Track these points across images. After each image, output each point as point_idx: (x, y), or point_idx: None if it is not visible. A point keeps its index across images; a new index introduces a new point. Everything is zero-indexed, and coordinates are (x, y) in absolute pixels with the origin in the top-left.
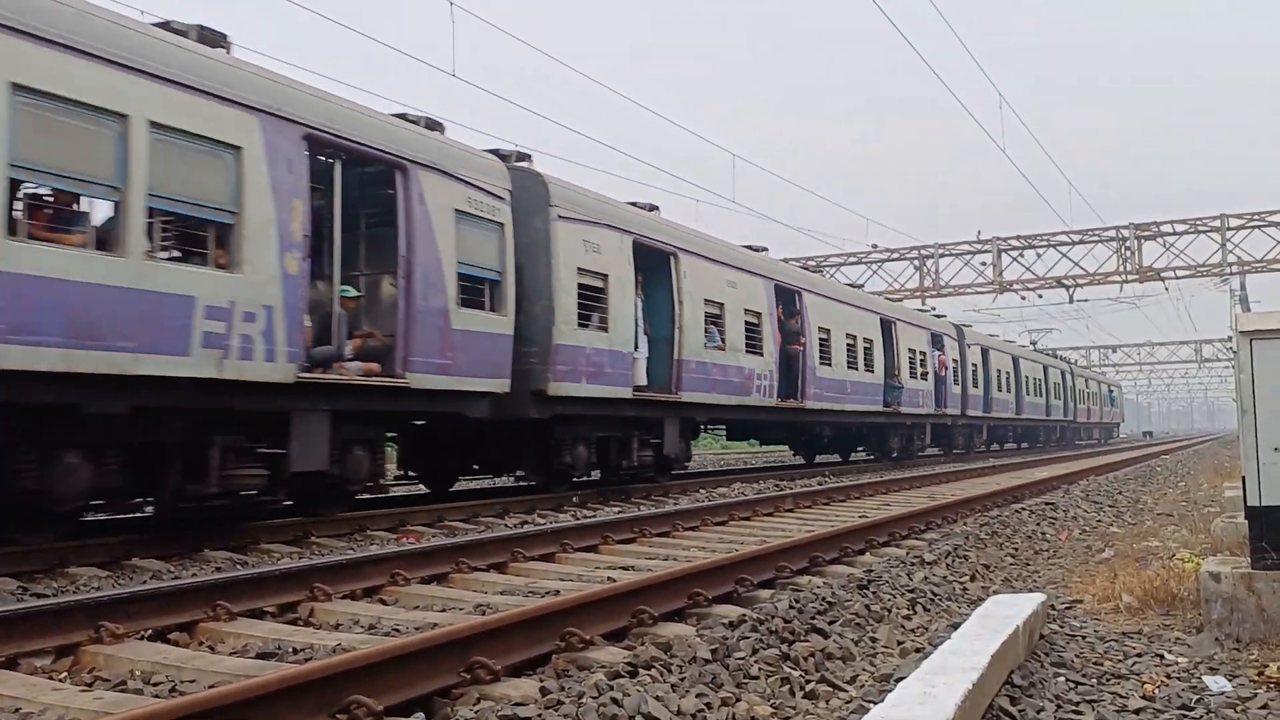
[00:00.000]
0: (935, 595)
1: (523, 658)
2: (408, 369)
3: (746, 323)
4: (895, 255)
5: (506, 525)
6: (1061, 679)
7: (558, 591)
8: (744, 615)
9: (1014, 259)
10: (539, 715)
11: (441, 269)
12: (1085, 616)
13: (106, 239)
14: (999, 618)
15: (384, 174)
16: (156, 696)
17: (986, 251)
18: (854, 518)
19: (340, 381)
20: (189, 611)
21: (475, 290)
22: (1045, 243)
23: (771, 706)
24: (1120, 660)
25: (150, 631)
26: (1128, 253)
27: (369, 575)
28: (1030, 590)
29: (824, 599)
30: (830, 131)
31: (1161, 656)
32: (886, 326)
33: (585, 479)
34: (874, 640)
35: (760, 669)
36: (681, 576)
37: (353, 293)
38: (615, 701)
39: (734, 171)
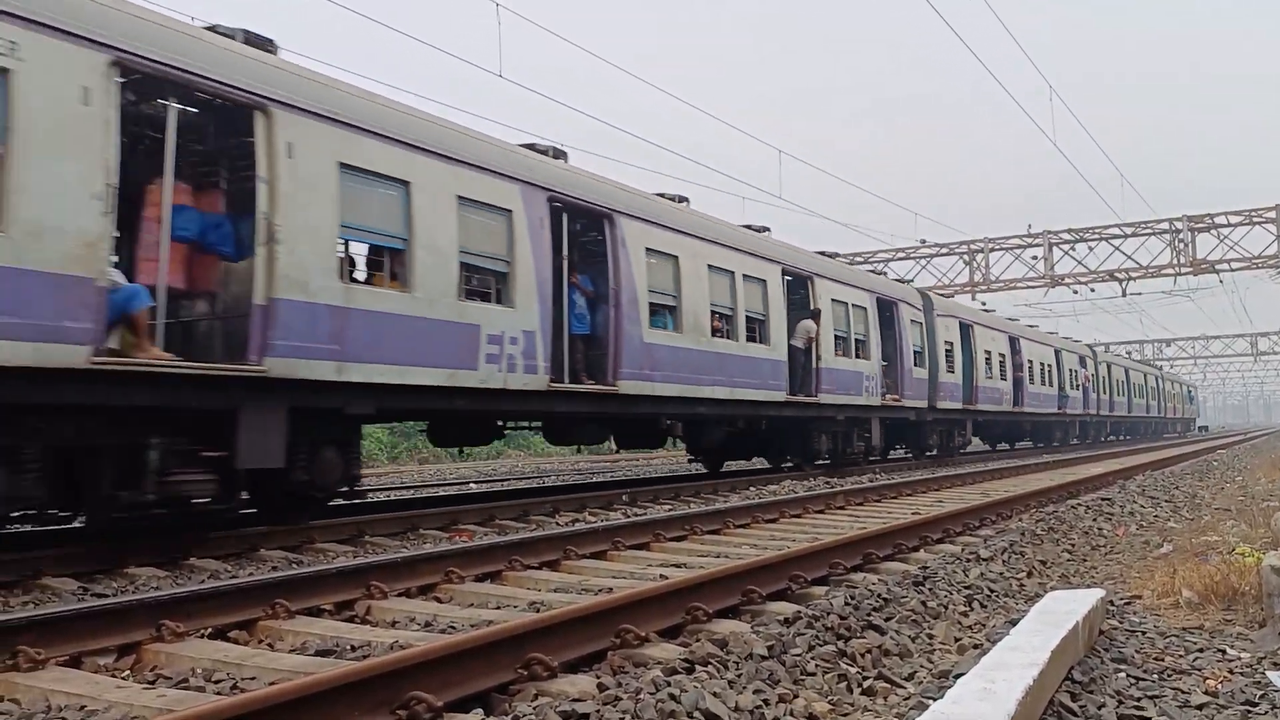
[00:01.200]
0: (992, 592)
1: (578, 654)
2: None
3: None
4: (944, 250)
5: (557, 524)
6: (1122, 675)
7: (610, 589)
8: (799, 612)
9: (1065, 252)
10: (597, 711)
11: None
12: (1145, 612)
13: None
14: (1058, 613)
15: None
16: (218, 694)
17: (1037, 245)
18: (907, 514)
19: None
20: (248, 610)
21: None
22: (1097, 236)
23: (829, 703)
24: (1181, 656)
25: (210, 630)
26: (1181, 245)
27: (423, 573)
28: (1088, 586)
29: (879, 596)
30: (880, 127)
31: (1224, 652)
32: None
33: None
34: (931, 637)
35: (817, 665)
36: (735, 574)
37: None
38: (673, 698)
39: (780, 168)
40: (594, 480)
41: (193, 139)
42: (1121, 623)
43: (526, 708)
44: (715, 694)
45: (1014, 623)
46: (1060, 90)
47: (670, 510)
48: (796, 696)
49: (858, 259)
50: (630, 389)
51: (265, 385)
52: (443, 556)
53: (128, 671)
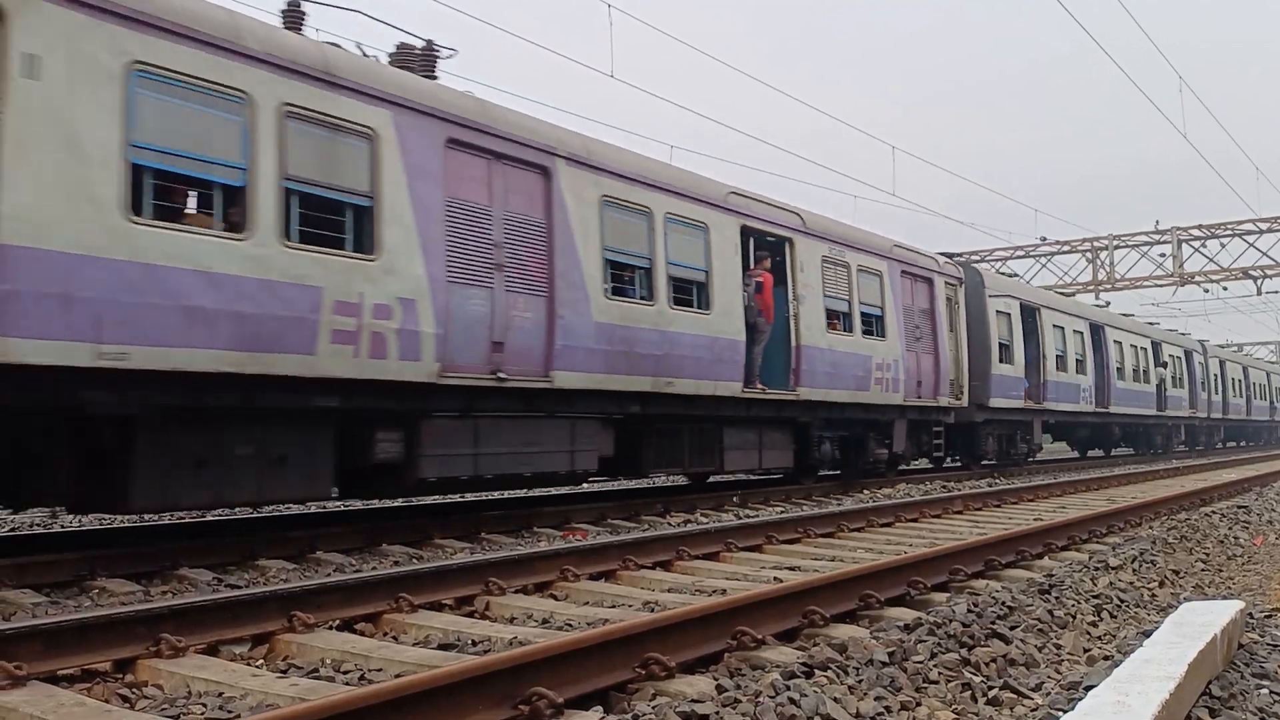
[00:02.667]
0: (1122, 601)
1: (695, 655)
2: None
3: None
4: (1065, 248)
5: (669, 524)
6: (1264, 691)
7: (724, 591)
8: (919, 618)
9: (1195, 249)
10: (716, 713)
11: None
12: None
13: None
14: (1195, 625)
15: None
16: (348, 684)
17: (1165, 242)
18: (1028, 520)
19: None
20: (373, 603)
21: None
22: (1230, 231)
23: (953, 712)
24: None
25: (338, 621)
26: None
27: (540, 571)
28: (1224, 597)
29: (1003, 603)
30: (997, 122)
31: None
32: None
33: None
34: (1058, 647)
35: (940, 673)
36: (852, 577)
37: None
38: (792, 701)
39: (894, 164)
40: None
41: None
42: (1263, 636)
43: (645, 707)
44: (835, 699)
45: (1147, 634)
46: (1190, 81)
47: (782, 512)
48: (919, 704)
49: (974, 257)
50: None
51: None
52: (558, 555)
53: (261, 660)
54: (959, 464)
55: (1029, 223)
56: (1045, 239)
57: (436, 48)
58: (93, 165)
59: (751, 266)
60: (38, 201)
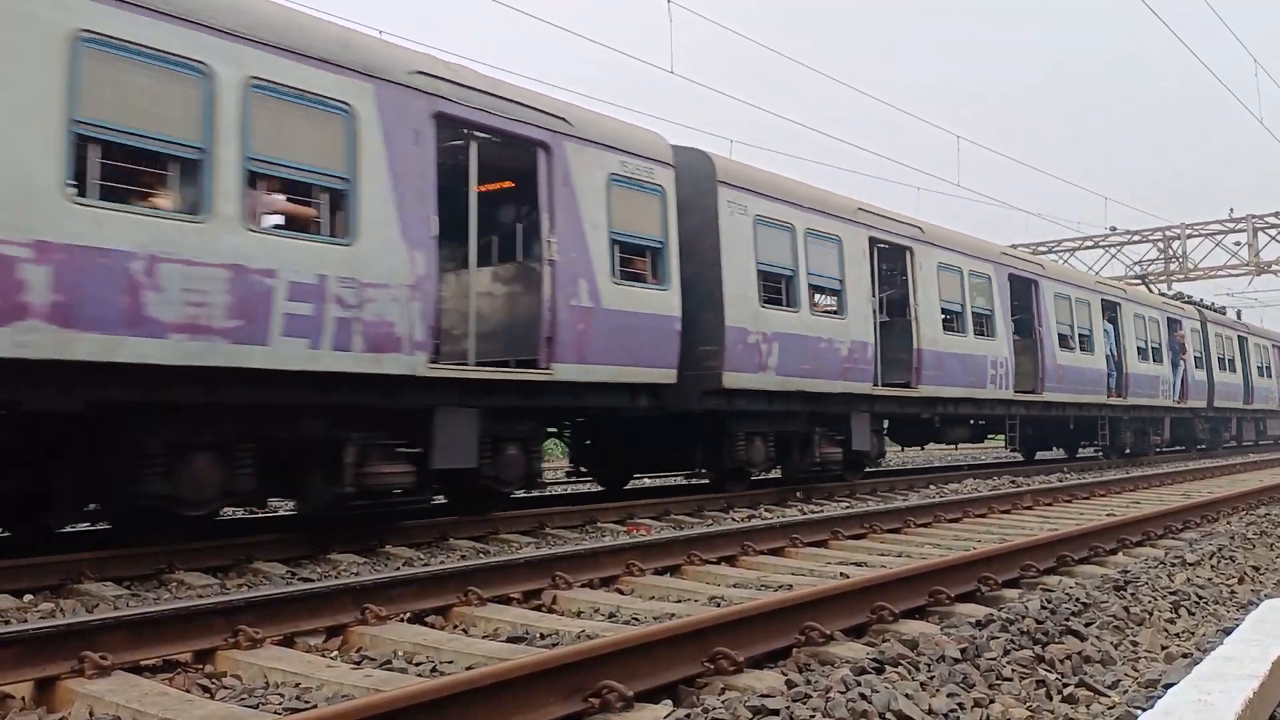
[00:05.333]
0: (1200, 598)
1: (763, 650)
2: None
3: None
4: (1136, 237)
5: (732, 519)
6: None
7: (790, 586)
8: (991, 615)
9: (1272, 238)
10: (787, 708)
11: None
12: None
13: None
14: (1277, 622)
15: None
16: (420, 676)
17: (1240, 230)
18: (1100, 515)
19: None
20: (443, 596)
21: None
22: None
23: (1028, 709)
24: None
25: (409, 614)
26: None
27: (605, 565)
28: None
29: (1077, 600)
30: (1064, 106)
31: None
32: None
33: None
34: (1135, 644)
35: (1013, 670)
36: (921, 573)
37: None
38: (864, 697)
39: (959, 154)
40: (765, 477)
41: None
42: None
43: (715, 701)
44: (907, 695)
45: (1227, 631)
46: (1266, 64)
47: (848, 507)
48: (993, 701)
49: (1040, 248)
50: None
51: None
52: (623, 549)
53: (335, 652)
54: (1098, 455)
55: (1098, 212)
56: (1115, 228)
57: None
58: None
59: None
60: None
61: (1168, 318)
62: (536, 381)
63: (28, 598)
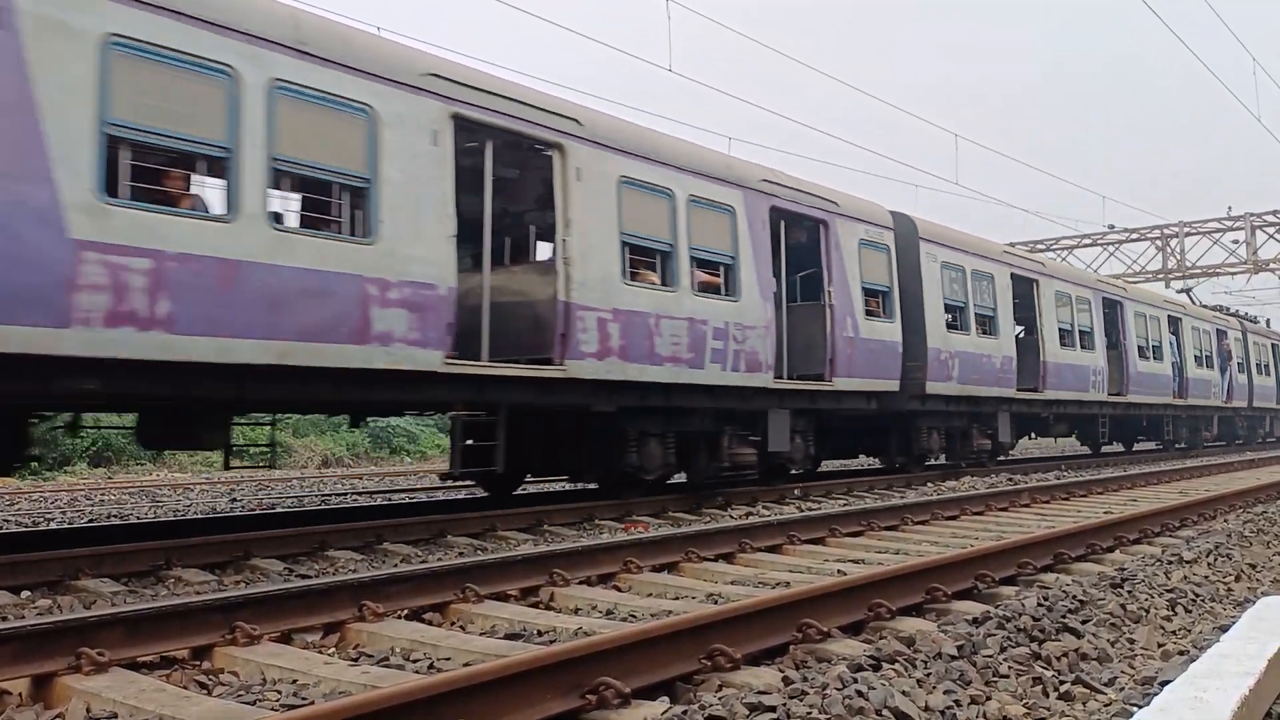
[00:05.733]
0: (1197, 596)
1: (760, 647)
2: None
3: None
4: (1135, 235)
5: (730, 517)
6: None
7: (788, 583)
8: (988, 612)
9: (1270, 236)
10: (783, 705)
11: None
12: None
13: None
14: (1274, 620)
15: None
16: (418, 673)
17: (1238, 228)
18: (1098, 513)
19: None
20: (441, 593)
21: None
22: None
23: (1024, 706)
24: None
25: (406, 611)
26: None
27: (603, 562)
28: None
29: (1074, 597)
30: (1062, 104)
31: None
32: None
33: None
34: (1132, 642)
35: (1010, 667)
36: (917, 571)
37: None
38: (860, 694)
39: (956, 152)
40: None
41: None
42: None
43: (712, 698)
44: (904, 692)
45: (1224, 629)
46: (1265, 64)
47: (845, 505)
48: (989, 699)
49: (1039, 246)
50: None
51: None
52: (621, 546)
53: (333, 649)
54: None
55: (1096, 210)
56: (1113, 226)
57: None
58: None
59: None
60: None
61: (1216, 329)
62: (823, 391)
63: (25, 594)
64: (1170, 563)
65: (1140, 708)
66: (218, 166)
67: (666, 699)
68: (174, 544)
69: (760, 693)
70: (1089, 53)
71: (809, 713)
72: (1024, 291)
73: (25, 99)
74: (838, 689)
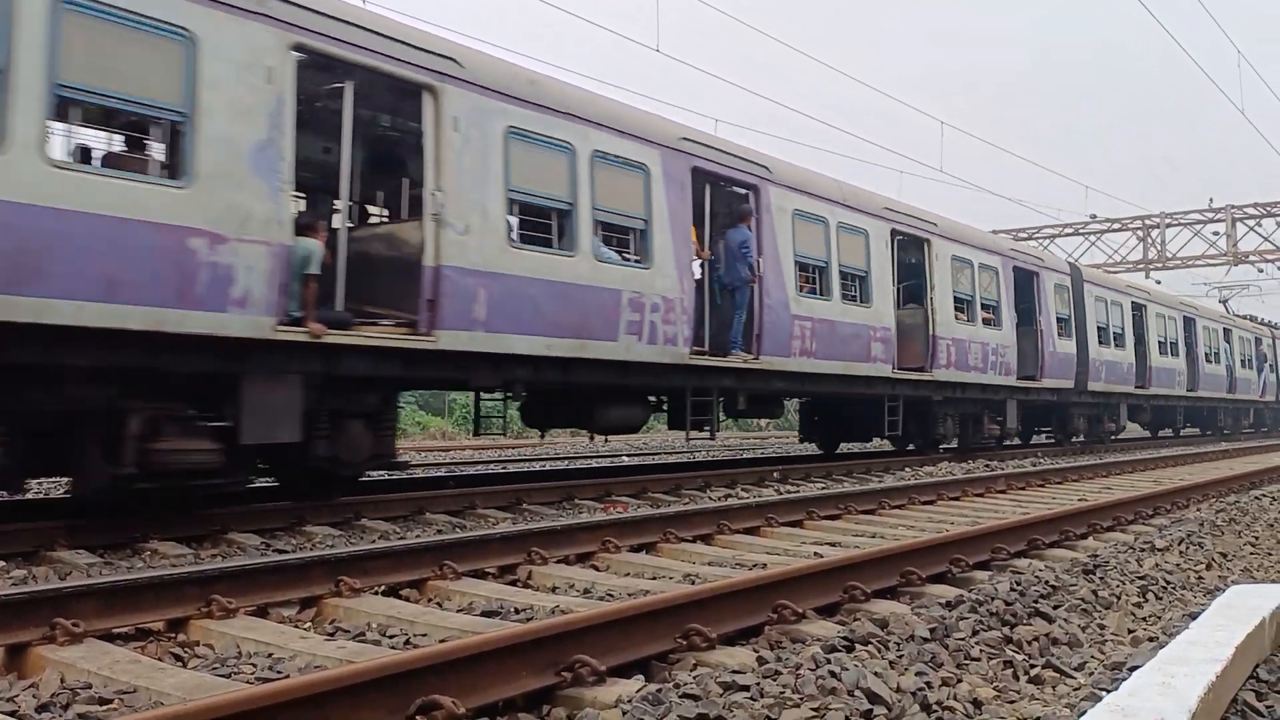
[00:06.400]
0: (1168, 583)
1: (735, 628)
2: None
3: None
4: (1116, 225)
5: (709, 498)
6: None
7: (765, 565)
8: (961, 596)
9: (1250, 228)
10: (757, 684)
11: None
12: None
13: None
14: (1243, 608)
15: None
16: (394, 648)
17: (1219, 220)
18: (1072, 500)
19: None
20: (418, 570)
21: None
22: None
23: (995, 689)
24: None
25: (383, 587)
26: None
27: (581, 542)
28: (1273, 581)
29: (1046, 583)
30: (1048, 93)
31: None
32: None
33: None
34: (1102, 628)
35: (981, 651)
36: (893, 554)
37: None
38: (833, 675)
39: (942, 139)
40: (744, 457)
41: None
42: None
43: (686, 676)
44: (876, 673)
45: (1193, 616)
46: (1249, 55)
47: (823, 488)
48: (960, 681)
49: (1021, 235)
50: None
51: None
52: (599, 526)
53: (309, 623)
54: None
55: (1079, 200)
56: (1095, 216)
57: None
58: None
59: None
60: None
61: (1255, 337)
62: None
63: (0, 564)
64: (1142, 550)
65: (1109, 692)
66: None
67: (641, 677)
68: (151, 516)
69: (735, 672)
70: (1076, 41)
71: (782, 692)
72: (1139, 312)
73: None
74: (811, 669)
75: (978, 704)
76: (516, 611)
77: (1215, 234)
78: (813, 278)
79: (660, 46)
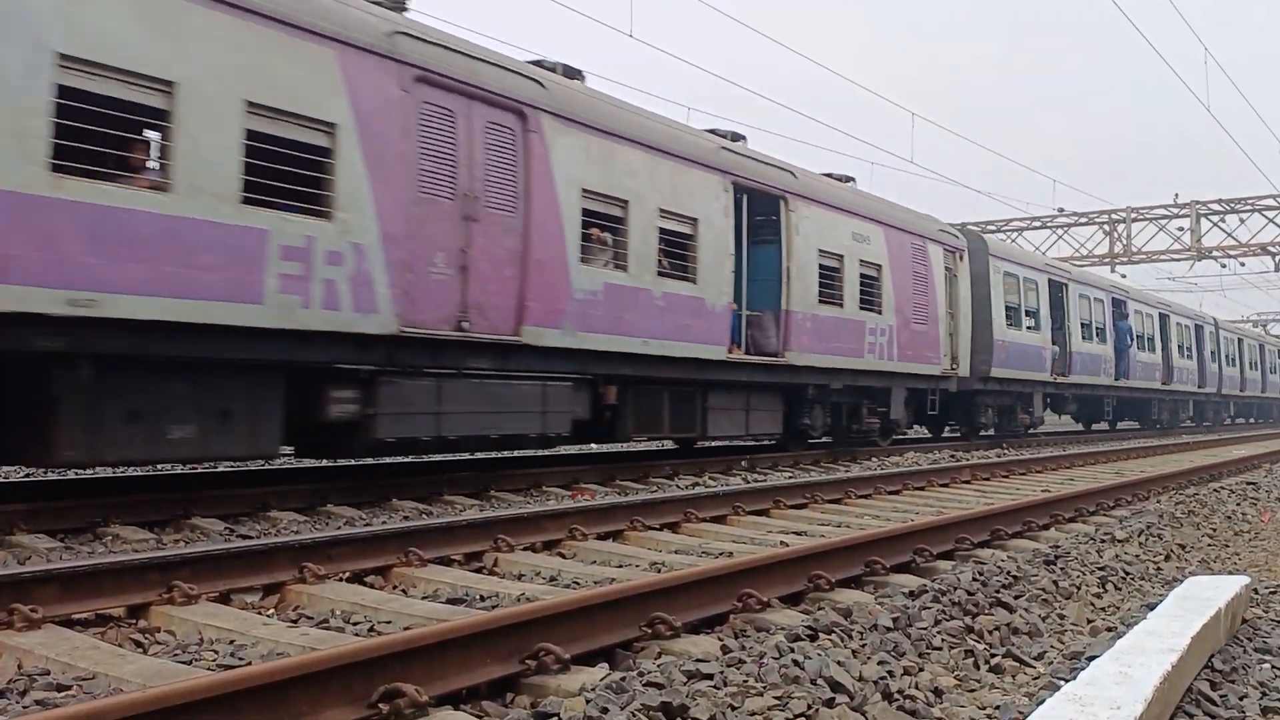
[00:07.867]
0: (1127, 574)
1: (700, 616)
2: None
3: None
4: (1083, 219)
5: (677, 487)
6: (1266, 665)
7: (731, 553)
8: (924, 585)
9: (1214, 224)
10: (721, 673)
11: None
12: None
13: None
14: (1199, 599)
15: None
16: (357, 635)
17: (1184, 215)
18: (1035, 491)
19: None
20: (383, 556)
21: None
22: (1249, 207)
23: (955, 678)
24: None
25: (348, 574)
26: None
27: (548, 529)
28: (1230, 573)
29: (1008, 573)
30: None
31: None
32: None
33: None
34: (1062, 618)
35: (943, 640)
36: (858, 543)
37: None
38: (796, 664)
39: (912, 131)
40: (712, 446)
41: None
42: (1266, 612)
43: (650, 665)
44: (839, 662)
45: (1151, 607)
46: (1215, 52)
47: (791, 478)
48: (922, 670)
49: (989, 227)
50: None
51: None
52: (566, 514)
53: (272, 610)
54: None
55: (1047, 193)
56: (1062, 210)
57: None
58: None
59: None
60: None
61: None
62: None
63: None
64: (1103, 541)
65: (1067, 681)
66: None
67: (606, 665)
68: (112, 501)
69: (699, 660)
70: (1048, 34)
71: (745, 681)
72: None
73: None
74: (774, 658)
75: (939, 692)
76: (481, 599)
77: (1180, 229)
78: (1182, 352)
79: (634, 32)
